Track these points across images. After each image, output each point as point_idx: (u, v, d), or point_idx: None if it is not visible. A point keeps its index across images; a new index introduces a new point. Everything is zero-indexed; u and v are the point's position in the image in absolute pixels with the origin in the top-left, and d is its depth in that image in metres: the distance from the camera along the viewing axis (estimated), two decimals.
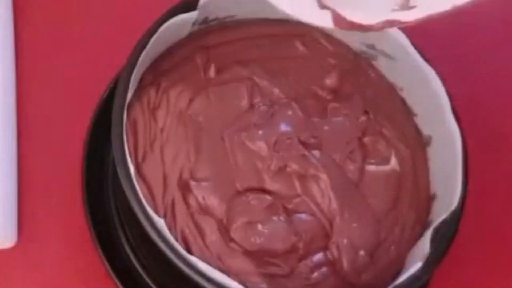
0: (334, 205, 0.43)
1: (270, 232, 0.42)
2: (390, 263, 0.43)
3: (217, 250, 0.41)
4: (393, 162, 0.46)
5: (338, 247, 0.42)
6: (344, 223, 0.43)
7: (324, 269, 0.42)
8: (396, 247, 0.44)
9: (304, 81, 0.47)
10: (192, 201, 0.42)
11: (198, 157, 0.43)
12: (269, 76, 0.46)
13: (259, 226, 0.42)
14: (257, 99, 0.45)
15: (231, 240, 0.41)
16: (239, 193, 0.43)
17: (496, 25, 0.59)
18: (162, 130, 0.43)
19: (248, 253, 0.41)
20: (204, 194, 0.42)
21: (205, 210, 0.42)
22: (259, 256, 0.42)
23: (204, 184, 0.42)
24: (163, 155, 0.42)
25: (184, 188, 0.42)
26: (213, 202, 0.42)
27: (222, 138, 0.44)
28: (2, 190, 0.45)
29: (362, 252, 0.43)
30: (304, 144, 0.44)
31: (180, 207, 0.42)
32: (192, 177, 0.42)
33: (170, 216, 0.41)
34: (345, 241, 0.43)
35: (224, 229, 0.42)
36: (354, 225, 0.43)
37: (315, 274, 0.42)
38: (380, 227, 0.44)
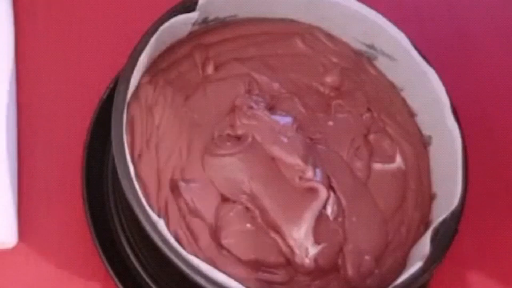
0: (343, 208, 0.42)
1: (262, 245, 0.40)
2: (395, 265, 0.42)
3: (210, 254, 0.40)
4: (398, 160, 0.45)
5: (343, 253, 0.41)
6: (352, 227, 0.42)
7: (327, 276, 0.41)
8: (401, 248, 0.43)
9: (305, 78, 0.46)
10: (182, 203, 0.40)
11: (190, 156, 0.42)
12: (269, 72, 0.45)
13: (250, 237, 0.40)
14: (255, 94, 0.44)
15: (222, 247, 0.40)
16: (227, 198, 0.41)
17: (496, 25, 0.59)
18: (158, 127, 0.42)
19: (241, 261, 0.40)
20: (193, 197, 0.40)
21: (195, 213, 0.40)
22: (254, 265, 0.40)
23: (193, 185, 0.41)
24: (158, 153, 0.41)
25: (175, 189, 0.41)
26: (202, 206, 0.40)
27: (213, 134, 0.43)
28: (2, 190, 0.45)
29: (367, 257, 0.41)
30: (310, 139, 0.43)
31: (172, 207, 0.40)
32: (182, 178, 0.41)
33: (164, 217, 0.40)
34: (350, 246, 0.41)
35: (215, 235, 0.40)
36: (362, 229, 0.42)
37: (317, 282, 0.41)
38: (387, 228, 0.43)
